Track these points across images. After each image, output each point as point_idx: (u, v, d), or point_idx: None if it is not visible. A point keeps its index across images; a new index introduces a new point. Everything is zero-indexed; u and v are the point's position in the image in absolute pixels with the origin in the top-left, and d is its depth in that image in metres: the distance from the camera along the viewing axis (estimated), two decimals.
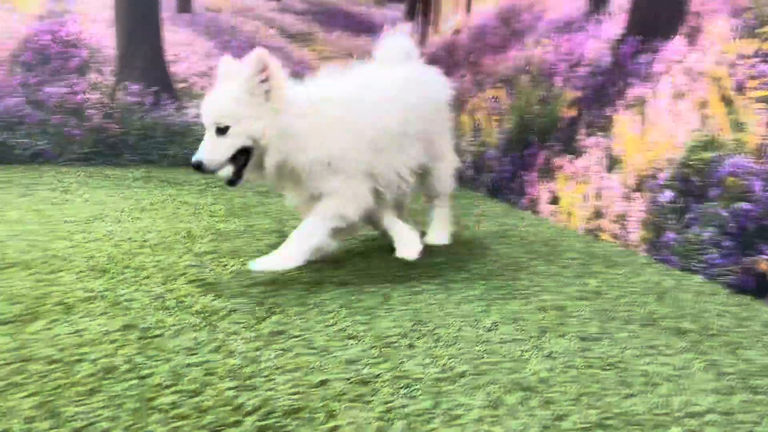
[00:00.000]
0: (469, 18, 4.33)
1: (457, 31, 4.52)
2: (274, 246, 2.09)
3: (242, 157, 1.90)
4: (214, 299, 1.77)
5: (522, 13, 3.60)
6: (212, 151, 1.86)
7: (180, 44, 4.83)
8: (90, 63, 4.65)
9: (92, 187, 3.69)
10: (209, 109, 1.88)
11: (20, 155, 4.51)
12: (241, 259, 2.19)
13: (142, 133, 4.78)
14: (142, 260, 2.13)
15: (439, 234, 2.52)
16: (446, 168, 2.47)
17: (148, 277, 1.95)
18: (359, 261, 2.24)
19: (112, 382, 1.25)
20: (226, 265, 2.13)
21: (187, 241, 2.44)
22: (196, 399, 1.20)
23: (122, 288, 1.83)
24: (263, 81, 1.85)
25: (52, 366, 1.31)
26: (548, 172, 3.22)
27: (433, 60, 4.98)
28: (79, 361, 1.34)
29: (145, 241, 2.41)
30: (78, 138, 4.64)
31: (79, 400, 1.17)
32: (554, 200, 3.16)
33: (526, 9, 3.56)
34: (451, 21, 4.65)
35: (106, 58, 4.68)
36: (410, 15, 5.22)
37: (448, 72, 4.71)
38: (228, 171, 1.93)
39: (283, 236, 2.27)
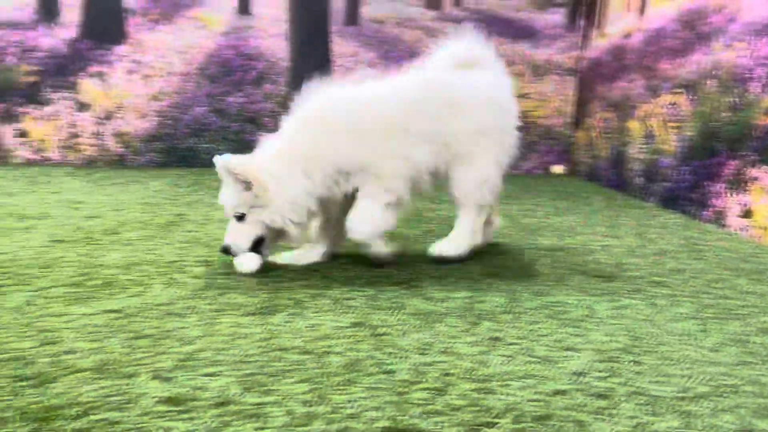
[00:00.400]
0: (643, 21, 4.16)
1: (627, 35, 4.36)
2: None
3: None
4: (424, 302, 1.85)
5: (710, 15, 3.41)
6: (236, 236, 2.08)
7: (346, 55, 5.08)
8: (266, 74, 5.02)
9: None
10: (224, 203, 2.09)
11: (204, 159, 4.96)
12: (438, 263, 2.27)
13: None
14: (345, 264, 2.28)
15: (443, 245, 2.32)
16: (471, 176, 2.30)
17: (358, 278, 2.08)
18: (545, 269, 2.24)
19: (361, 374, 1.36)
20: (436, 269, 2.22)
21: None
22: (445, 397, 1.28)
23: (338, 288, 1.97)
24: (243, 182, 2.02)
25: (305, 356, 1.45)
26: (739, 184, 3.03)
27: (596, 64, 4.86)
28: (327, 353, 1.47)
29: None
30: (253, 144, 5.01)
31: (342, 390, 1.29)
32: (747, 214, 2.97)
33: (716, 11, 3.36)
34: (619, 24, 4.50)
35: (280, 70, 5.03)
36: (573, 19, 5.11)
37: (614, 76, 4.58)
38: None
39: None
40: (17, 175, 4.06)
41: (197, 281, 1.98)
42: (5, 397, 1.20)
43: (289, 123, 2.18)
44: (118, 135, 4.89)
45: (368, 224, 2.12)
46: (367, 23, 5.08)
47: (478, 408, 1.24)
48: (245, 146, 5.02)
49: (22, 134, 4.79)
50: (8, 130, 4.75)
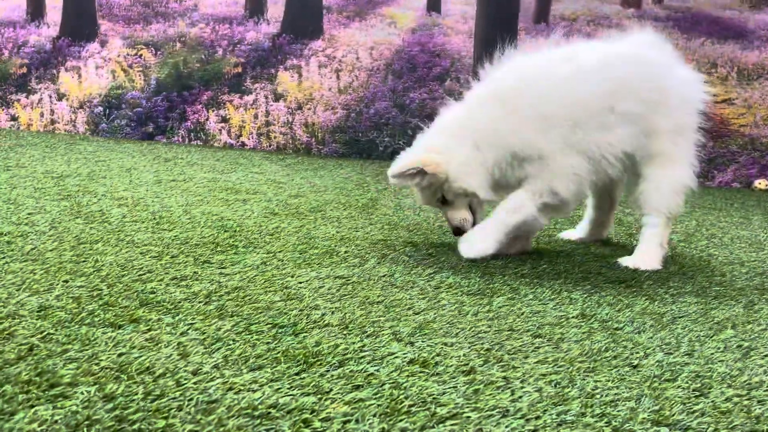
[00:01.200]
0: None
1: None
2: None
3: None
4: (651, 302, 1.74)
5: None
6: (455, 215, 2.09)
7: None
8: (450, 71, 5.06)
9: None
10: (420, 203, 2.20)
11: (382, 153, 5.11)
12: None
13: None
14: (550, 257, 2.21)
15: (636, 258, 2.09)
16: (667, 179, 2.05)
17: (570, 272, 2.01)
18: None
19: (604, 365, 1.30)
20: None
21: (578, 246, 2.47)
22: (707, 399, 1.18)
23: (553, 280, 1.91)
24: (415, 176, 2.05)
25: (539, 340, 1.42)
26: None
27: None
28: (561, 339, 1.42)
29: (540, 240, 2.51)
30: None
31: (588, 376, 1.24)
32: None
33: None
34: None
35: (464, 67, 5.05)
36: None
37: None
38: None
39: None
40: (219, 156, 4.45)
41: (409, 259, 2.02)
42: (269, 341, 1.30)
43: (473, 92, 2.12)
44: (307, 125, 5.20)
45: (486, 237, 2.01)
46: (557, 21, 4.94)
47: (747, 414, 1.12)
48: None
49: (224, 120, 5.25)
50: (212, 117, 5.24)
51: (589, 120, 1.98)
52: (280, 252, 1.99)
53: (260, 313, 1.45)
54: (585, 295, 1.76)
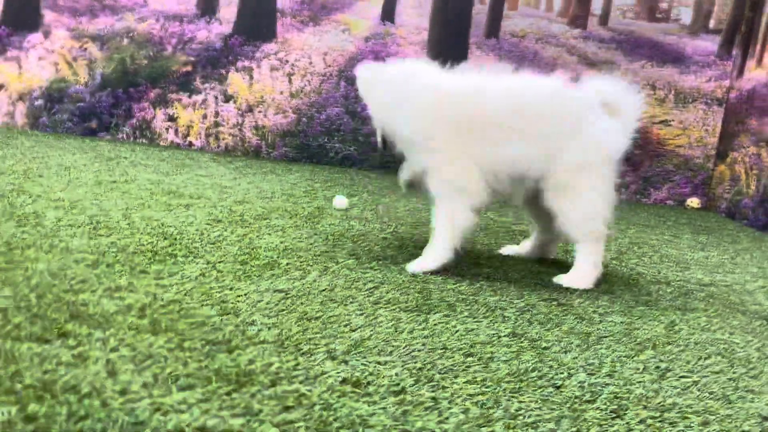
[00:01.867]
0: None
1: None
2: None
3: None
4: (579, 322, 1.81)
5: None
6: None
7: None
8: None
9: (386, 190, 4.04)
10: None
11: (333, 158, 5.12)
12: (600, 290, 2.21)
13: None
14: (488, 271, 2.27)
15: (571, 276, 2.18)
16: (574, 211, 2.13)
17: (506, 288, 2.06)
18: None
19: (530, 385, 1.35)
20: (579, 295, 2.17)
21: (518, 262, 2.54)
22: (622, 421, 1.24)
23: (489, 296, 1.97)
24: None
25: (470, 359, 1.46)
26: None
27: (749, 96, 4.56)
28: (491, 359, 1.47)
29: (481, 253, 2.56)
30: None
31: (513, 397, 1.29)
32: None
33: None
34: None
35: None
36: (727, 46, 4.83)
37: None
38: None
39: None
40: (165, 156, 4.37)
41: (350, 273, 2.04)
42: (201, 359, 1.30)
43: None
44: (257, 128, 5.15)
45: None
46: (507, 37, 5.06)
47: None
48: (372, 149, 5.17)
49: (171, 119, 5.16)
50: (159, 115, 5.14)
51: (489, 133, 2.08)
52: (220, 263, 1.97)
53: (195, 328, 1.45)
54: (518, 313, 1.82)
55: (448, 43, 5.10)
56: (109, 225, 2.26)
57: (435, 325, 1.65)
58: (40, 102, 5.18)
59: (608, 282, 2.29)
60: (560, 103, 2.14)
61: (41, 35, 5.15)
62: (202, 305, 1.59)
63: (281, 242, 2.32)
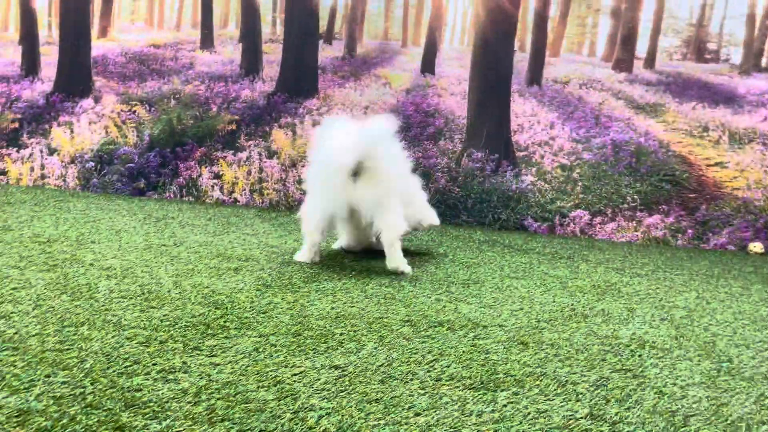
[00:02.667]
0: None
1: None
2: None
3: None
4: (661, 397, 1.67)
5: None
6: None
7: (525, 115, 5.02)
8: (443, 131, 5.08)
9: (447, 246, 3.95)
10: None
11: None
12: (648, 349, 2.07)
13: (479, 197, 5.04)
14: (551, 336, 2.14)
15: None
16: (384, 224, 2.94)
17: (569, 357, 1.94)
18: None
19: None
20: (640, 355, 2.03)
21: (579, 320, 2.41)
22: None
23: (554, 366, 1.84)
24: None
25: None
26: None
27: None
28: None
29: (538, 314, 2.44)
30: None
31: None
32: None
33: None
34: None
35: (457, 127, 5.07)
36: None
37: None
38: None
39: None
40: (211, 215, 4.39)
41: (407, 343, 1.94)
42: None
43: None
44: (300, 182, 5.16)
45: None
46: (549, 84, 5.00)
47: None
48: None
49: (217, 177, 5.22)
50: (205, 173, 5.21)
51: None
52: (273, 335, 1.91)
53: (252, 416, 1.37)
54: (592, 389, 1.69)
55: (490, 93, 5.07)
56: (160, 295, 2.23)
57: (504, 406, 1.54)
58: (90, 164, 5.32)
59: (683, 346, 2.14)
60: None
61: (92, 100, 5.32)
62: (259, 387, 1.52)
63: (332, 308, 2.25)
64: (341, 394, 1.53)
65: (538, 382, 1.70)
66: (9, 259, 2.56)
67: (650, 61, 4.92)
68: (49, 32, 5.34)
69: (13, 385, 1.41)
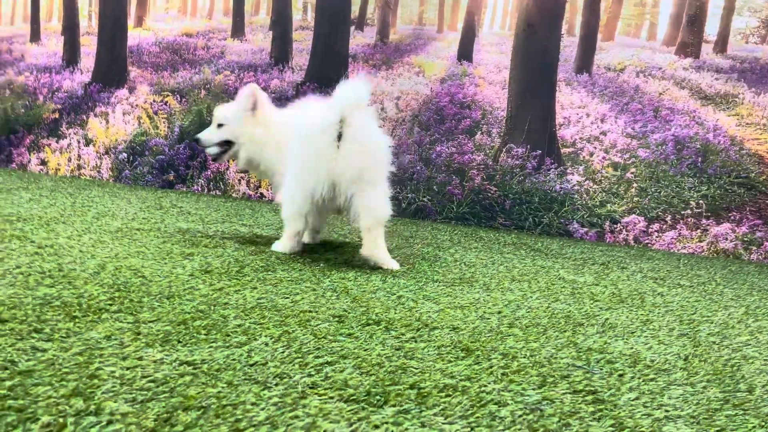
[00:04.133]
0: None
1: None
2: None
3: (227, 146, 2.99)
4: (613, 428, 1.19)
5: None
6: (210, 135, 3.00)
7: (572, 107, 4.48)
8: (480, 124, 4.63)
9: (464, 247, 3.50)
10: (218, 112, 3.00)
11: (405, 210, 4.69)
12: (638, 369, 1.56)
13: (518, 198, 4.53)
14: (512, 345, 1.69)
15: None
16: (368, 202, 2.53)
17: (519, 371, 1.48)
18: None
19: None
20: (622, 375, 1.53)
21: (567, 328, 1.92)
22: None
23: (487, 381, 1.40)
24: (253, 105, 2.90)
25: None
26: None
27: None
28: None
29: (515, 319, 1.98)
30: (458, 197, 4.62)
31: None
32: None
33: None
34: None
35: (496, 120, 4.61)
36: None
37: None
38: (214, 150, 3.01)
39: (687, 338, 1.56)
40: (225, 207, 4.16)
41: (313, 340, 1.55)
42: None
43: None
44: None
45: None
46: (601, 71, 4.44)
47: None
48: (449, 200, 4.68)
49: (244, 170, 5.02)
50: (232, 166, 5.01)
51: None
52: (152, 322, 1.58)
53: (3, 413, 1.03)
54: (520, 413, 1.23)
55: (533, 82, 4.57)
56: (68, 274, 1.96)
57: (375, 427, 1.12)
58: (123, 155, 5.27)
59: (691, 369, 1.62)
60: None
61: (126, 91, 5.29)
62: (58, 381, 1.19)
63: (258, 298, 1.89)
64: (161, 396, 1.16)
65: (445, 400, 1.26)
66: None
67: (722, 45, 4.25)
68: (89, 23, 5.38)
69: None
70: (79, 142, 5.31)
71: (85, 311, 1.61)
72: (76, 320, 1.53)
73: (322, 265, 2.53)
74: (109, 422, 1.04)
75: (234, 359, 1.38)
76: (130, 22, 5.24)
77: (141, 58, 5.23)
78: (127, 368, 1.28)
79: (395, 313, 1.89)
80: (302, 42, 4.89)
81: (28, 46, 5.48)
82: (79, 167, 5.30)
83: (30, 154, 5.29)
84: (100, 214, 3.24)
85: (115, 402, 1.11)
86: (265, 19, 5.02)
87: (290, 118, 2.78)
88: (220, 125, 2.97)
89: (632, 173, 4.30)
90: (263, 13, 5.04)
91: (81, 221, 2.95)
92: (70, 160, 5.34)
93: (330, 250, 2.89)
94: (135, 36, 5.22)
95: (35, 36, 5.51)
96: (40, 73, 5.37)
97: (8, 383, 1.15)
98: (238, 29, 5.08)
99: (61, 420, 1.02)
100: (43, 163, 5.37)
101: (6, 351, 1.30)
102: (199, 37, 5.19)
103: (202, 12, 5.18)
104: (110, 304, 1.69)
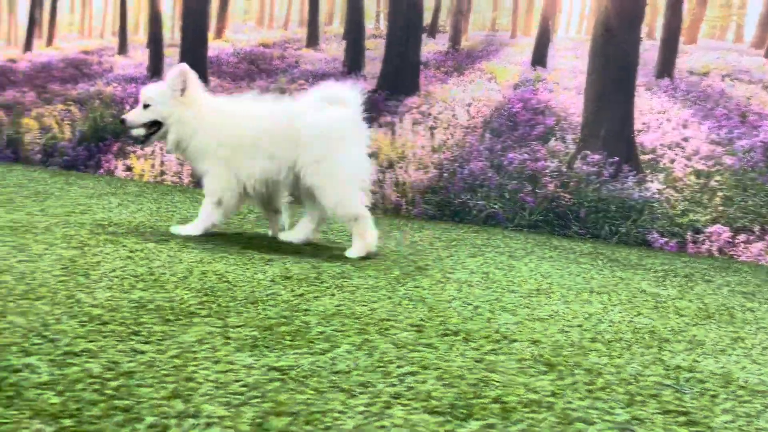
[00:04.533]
0: None
1: None
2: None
3: (155, 128, 2.84)
4: None
5: None
6: (136, 116, 2.84)
7: (652, 112, 4.33)
8: (554, 130, 4.54)
9: (538, 256, 3.44)
10: (144, 92, 2.84)
11: (475, 217, 4.65)
12: (731, 389, 1.49)
13: (594, 206, 4.41)
14: (596, 361, 1.65)
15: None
16: (325, 201, 2.79)
17: (605, 389, 1.45)
18: None
19: None
20: (714, 395, 1.47)
21: (652, 344, 1.86)
22: None
23: (572, 397, 1.37)
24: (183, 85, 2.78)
25: None
26: None
27: None
28: None
29: (597, 333, 1.93)
30: (530, 205, 4.55)
31: None
32: None
33: None
34: None
35: (570, 126, 4.51)
36: None
37: None
38: (140, 132, 2.87)
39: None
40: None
41: (391, 348, 1.57)
42: None
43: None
44: (398, 184, 4.90)
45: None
46: (683, 75, 4.27)
47: None
48: (521, 207, 4.63)
49: None
50: None
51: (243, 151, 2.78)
52: (238, 326, 1.64)
53: (111, 415, 1.10)
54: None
55: (611, 86, 4.45)
56: (159, 278, 2.06)
57: None
58: None
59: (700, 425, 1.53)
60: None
61: None
62: (158, 383, 1.25)
63: (337, 305, 1.93)
64: (254, 400, 1.21)
65: (531, 415, 1.25)
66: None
67: None
68: (171, 35, 5.62)
69: None
70: (161, 149, 5.55)
71: (177, 314, 1.69)
72: (170, 323, 1.61)
73: (396, 273, 2.55)
74: (208, 425, 1.09)
75: (319, 366, 1.42)
76: (211, 34, 5.44)
77: (220, 68, 5.44)
78: (221, 372, 1.33)
79: (473, 324, 1.88)
80: (374, 50, 4.96)
81: (117, 58, 5.79)
82: (162, 173, 5.54)
83: (117, 161, 5.57)
84: (184, 219, 3.38)
85: (211, 405, 1.16)
86: (338, 29, 5.12)
87: (225, 106, 2.85)
88: (146, 106, 2.80)
89: (717, 181, 4.12)
90: (337, 22, 5.14)
91: (166, 226, 3.09)
92: (153, 166, 5.59)
93: (402, 258, 2.91)
94: (215, 47, 5.43)
95: (122, 48, 5.82)
96: (127, 83, 5.66)
97: (113, 383, 1.22)
98: (312, 39, 5.21)
99: (164, 421, 1.08)
100: (129, 169, 5.64)
101: (109, 352, 1.38)
102: (275, 47, 5.35)
103: (278, 22, 5.34)
104: (200, 308, 1.76)
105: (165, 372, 1.30)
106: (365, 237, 2.77)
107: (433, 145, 4.81)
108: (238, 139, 2.77)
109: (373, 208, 4.82)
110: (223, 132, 2.77)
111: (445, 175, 4.77)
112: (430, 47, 4.87)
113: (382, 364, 1.47)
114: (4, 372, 1.22)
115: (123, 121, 2.85)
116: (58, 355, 1.33)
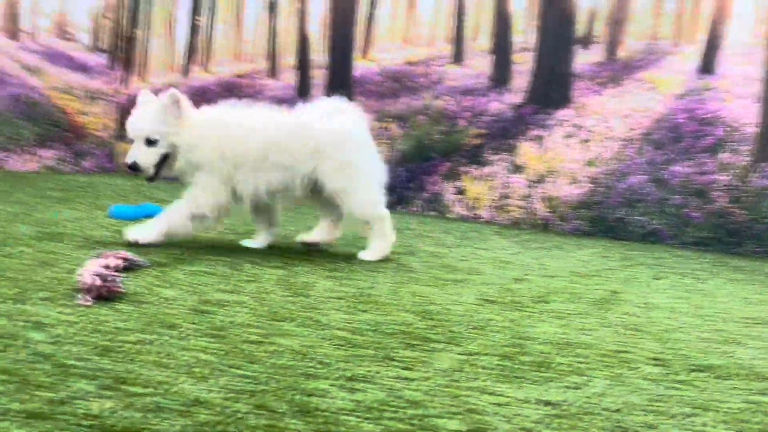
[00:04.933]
0: None
1: None
2: None
3: (163, 161, 2.67)
4: None
5: None
6: (146, 157, 2.63)
7: None
8: (725, 142, 4.26)
9: (724, 278, 3.22)
10: (143, 128, 2.63)
11: (633, 233, 4.44)
12: None
13: None
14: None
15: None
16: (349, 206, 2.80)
17: None
18: None
19: None
20: None
21: None
22: None
23: None
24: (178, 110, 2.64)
25: None
26: None
27: None
28: None
29: None
30: (696, 221, 4.28)
31: None
32: None
33: None
34: None
35: (744, 137, 4.21)
36: None
37: None
38: (153, 171, 2.67)
39: None
40: (450, 228, 4.26)
41: (651, 387, 1.50)
42: None
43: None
44: (547, 199, 4.78)
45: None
46: None
47: None
48: (686, 223, 4.36)
49: (460, 192, 5.10)
50: (449, 188, 5.13)
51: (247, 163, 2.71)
52: (480, 354, 1.63)
53: None
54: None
55: None
56: (373, 299, 2.11)
57: None
58: None
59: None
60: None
61: None
62: (447, 413, 1.26)
63: (557, 333, 1.89)
64: None
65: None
66: (253, 255, 2.71)
67: None
68: (319, 57, 5.82)
69: (198, 373, 1.36)
70: None
71: (417, 339, 1.71)
72: (415, 349, 1.63)
73: (591, 297, 2.47)
74: None
75: (590, 402, 1.37)
76: (357, 54, 5.59)
77: (365, 87, 5.57)
78: (494, 404, 1.32)
79: (716, 359, 1.77)
80: (522, 64, 4.88)
81: (266, 81, 6.09)
82: None
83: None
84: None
85: None
86: (484, 44, 5.09)
87: (224, 118, 2.72)
88: (151, 142, 2.60)
89: None
90: (483, 38, 5.11)
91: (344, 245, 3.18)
92: None
93: (581, 278, 2.81)
94: (360, 66, 5.57)
95: (272, 71, 6.09)
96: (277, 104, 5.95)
97: (409, 411, 1.24)
98: (457, 55, 5.21)
99: None
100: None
101: (385, 380, 1.41)
102: (419, 64, 5.41)
103: (424, 40, 5.40)
104: (434, 333, 1.78)
105: (449, 401, 1.31)
106: (386, 238, 2.83)
107: (587, 158, 4.66)
108: (243, 152, 2.67)
109: (521, 223, 4.77)
110: (227, 145, 2.67)
111: (600, 189, 4.60)
112: (584, 58, 4.72)
113: (649, 403, 1.40)
114: (305, 396, 1.28)
115: (135, 167, 2.60)
116: (339, 380, 1.38)
